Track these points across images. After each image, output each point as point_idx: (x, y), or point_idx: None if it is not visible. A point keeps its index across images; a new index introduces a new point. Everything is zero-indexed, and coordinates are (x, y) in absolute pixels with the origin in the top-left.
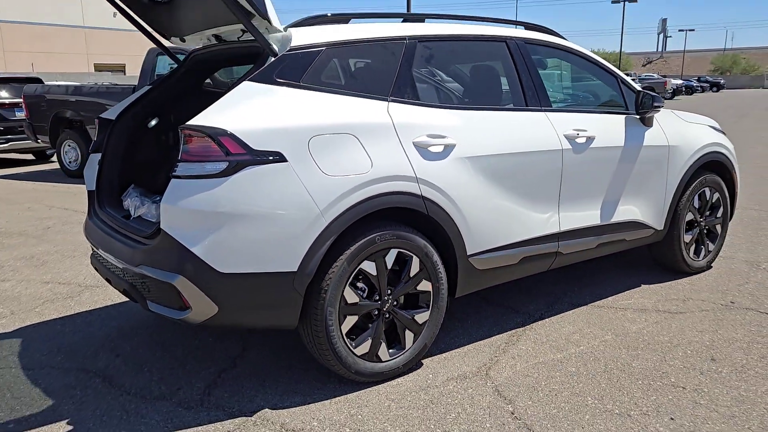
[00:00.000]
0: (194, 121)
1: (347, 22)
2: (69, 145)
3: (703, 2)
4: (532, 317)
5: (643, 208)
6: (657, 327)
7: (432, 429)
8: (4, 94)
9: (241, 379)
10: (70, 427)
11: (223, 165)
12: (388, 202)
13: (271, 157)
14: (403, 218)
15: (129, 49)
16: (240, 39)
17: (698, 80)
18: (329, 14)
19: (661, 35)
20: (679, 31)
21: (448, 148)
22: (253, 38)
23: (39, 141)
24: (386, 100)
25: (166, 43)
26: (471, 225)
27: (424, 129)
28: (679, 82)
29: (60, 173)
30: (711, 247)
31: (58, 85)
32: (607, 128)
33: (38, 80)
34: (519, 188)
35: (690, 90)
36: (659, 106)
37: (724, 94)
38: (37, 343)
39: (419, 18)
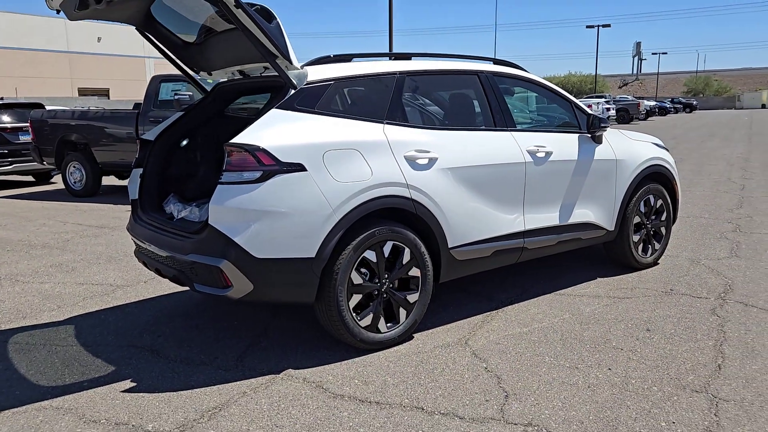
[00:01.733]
0: (235, 140)
1: (350, 61)
2: (74, 167)
3: (675, 26)
4: (504, 303)
5: (596, 212)
6: (606, 308)
7: (422, 380)
8: (7, 118)
9: (267, 350)
10: (134, 384)
11: (258, 173)
12: (385, 203)
13: (294, 167)
14: (396, 217)
15: (112, 74)
16: (262, 74)
17: (672, 101)
18: (332, 55)
19: (636, 58)
20: (653, 54)
21: (432, 161)
22: (274, 74)
23: (45, 163)
24: (382, 122)
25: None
26: (451, 223)
27: (412, 145)
28: (653, 103)
29: (64, 193)
30: (657, 246)
31: (64, 110)
32: (563, 145)
33: (41, 105)
34: (490, 193)
35: (663, 111)
36: (606, 127)
37: (697, 114)
38: (88, 328)
39: (407, 56)
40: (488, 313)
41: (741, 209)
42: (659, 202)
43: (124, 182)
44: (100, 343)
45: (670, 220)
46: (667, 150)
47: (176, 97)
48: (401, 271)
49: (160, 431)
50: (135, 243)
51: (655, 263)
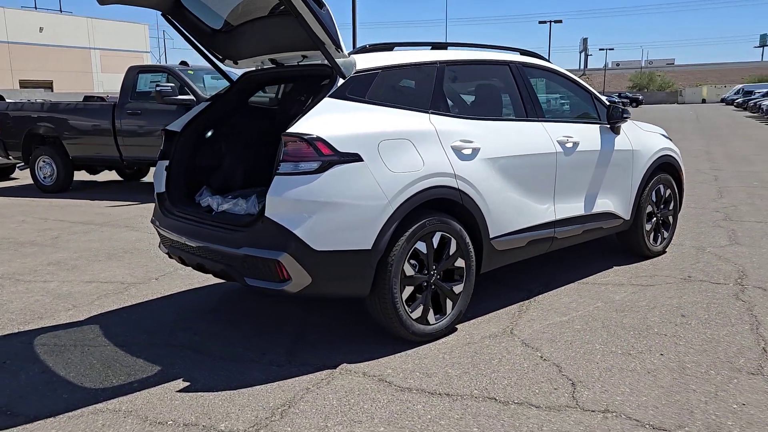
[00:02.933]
0: (293, 129)
1: (391, 50)
2: (44, 161)
3: (620, 24)
4: (534, 293)
5: (615, 201)
6: (635, 296)
7: (483, 370)
8: None
9: (314, 345)
10: (188, 383)
11: (317, 164)
12: (435, 194)
13: (351, 158)
14: (442, 207)
15: (56, 66)
16: (299, 63)
17: (619, 96)
18: (368, 45)
19: (583, 53)
20: (600, 50)
21: (475, 151)
22: (314, 62)
23: (10, 157)
24: (427, 112)
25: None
26: (492, 213)
27: (457, 135)
28: (603, 98)
29: (33, 189)
30: (665, 234)
31: (32, 102)
32: (587, 135)
33: (0, 98)
34: (526, 184)
35: None
36: (627, 117)
37: (643, 109)
38: (114, 327)
39: (443, 46)
40: (522, 303)
41: (723, 199)
42: (668, 191)
43: (96, 177)
44: (133, 342)
45: (677, 209)
46: (671, 140)
47: (158, 88)
48: (448, 262)
49: (234, 430)
50: (165, 237)
51: (663, 251)
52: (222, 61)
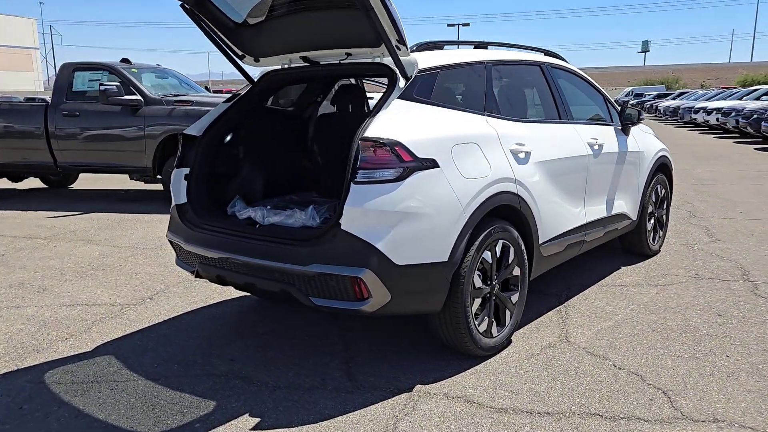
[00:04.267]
0: (370, 134)
1: (441, 48)
2: None
3: (520, 27)
4: (561, 297)
5: (627, 203)
6: (660, 296)
7: (565, 383)
8: None
9: (369, 365)
10: (257, 419)
11: (399, 171)
12: (501, 200)
13: (429, 164)
14: (502, 214)
15: None
16: (342, 61)
17: None
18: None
19: None
20: None
21: (528, 155)
22: (359, 60)
23: None
24: (483, 114)
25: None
26: (542, 218)
27: (512, 138)
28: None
29: None
30: (660, 234)
31: None
32: (607, 137)
33: None
34: (565, 187)
35: None
36: (642, 120)
37: None
38: (132, 358)
39: (483, 45)
40: (557, 309)
41: (676, 197)
42: (663, 191)
43: (18, 185)
44: (165, 374)
45: (669, 208)
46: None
47: (102, 88)
48: (507, 271)
49: None
50: (192, 253)
51: (659, 250)
52: (241, 58)
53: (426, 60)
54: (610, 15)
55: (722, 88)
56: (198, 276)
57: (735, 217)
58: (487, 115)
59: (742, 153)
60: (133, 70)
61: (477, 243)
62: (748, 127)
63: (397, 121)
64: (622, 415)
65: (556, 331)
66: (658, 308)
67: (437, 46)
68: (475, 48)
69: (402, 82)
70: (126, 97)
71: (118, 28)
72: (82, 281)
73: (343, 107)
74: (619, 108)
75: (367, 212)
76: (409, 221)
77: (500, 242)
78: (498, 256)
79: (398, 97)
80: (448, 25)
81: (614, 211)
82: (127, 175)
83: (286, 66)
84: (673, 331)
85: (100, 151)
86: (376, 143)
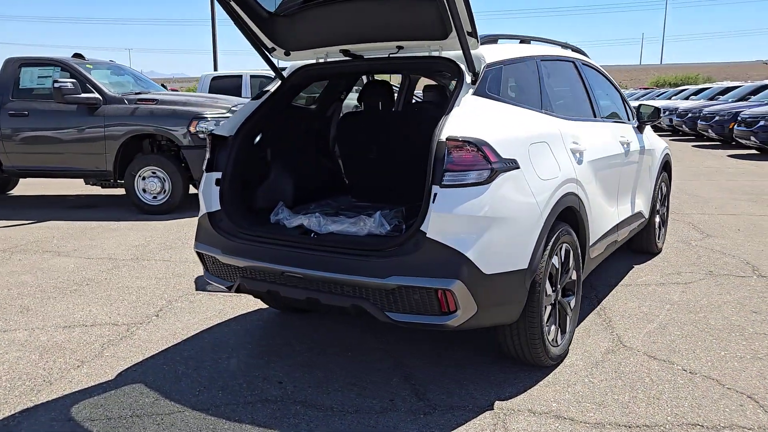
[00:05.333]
0: (457, 133)
1: (496, 42)
2: None
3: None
4: (593, 300)
5: (642, 201)
6: (688, 295)
7: (647, 392)
8: None
9: (434, 381)
10: None
11: (487, 173)
12: (566, 202)
13: (511, 165)
14: (563, 216)
15: None
16: (391, 55)
17: None
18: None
19: None
20: None
21: (582, 154)
22: (410, 54)
23: None
24: (540, 111)
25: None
26: (592, 218)
27: (570, 137)
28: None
29: None
30: (662, 231)
31: None
32: (630, 135)
33: None
34: (606, 186)
35: None
36: (662, 117)
37: None
38: (165, 385)
39: (527, 40)
40: (594, 312)
41: None
42: (666, 189)
43: None
44: (213, 403)
45: (668, 206)
46: None
47: (57, 85)
48: (567, 275)
49: None
50: (233, 266)
51: (661, 248)
52: (270, 51)
53: (492, 54)
54: (532, 17)
55: (640, 88)
56: (238, 291)
57: (712, 213)
58: (545, 113)
59: (682, 150)
60: (87, 66)
61: (549, 247)
62: (683, 126)
63: (480, 120)
64: (722, 424)
65: (607, 336)
66: (693, 307)
67: (491, 39)
68: (520, 43)
69: (468, 78)
70: (83, 95)
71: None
72: (69, 299)
73: (373, 105)
74: (633, 107)
75: (457, 218)
76: (496, 226)
77: (563, 246)
78: (563, 260)
79: (473, 94)
80: None
81: (636, 210)
82: (76, 180)
83: (321, 60)
84: (720, 331)
85: (52, 154)
86: (463, 143)
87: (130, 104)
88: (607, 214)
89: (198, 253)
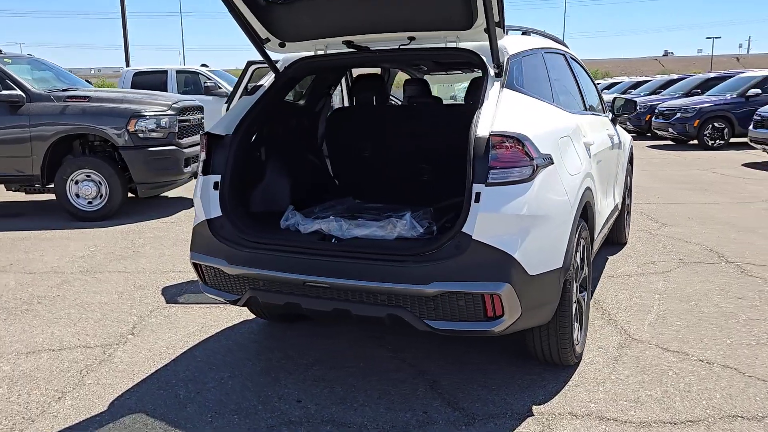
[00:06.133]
0: (500, 129)
1: (507, 33)
2: None
3: None
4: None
5: (617, 193)
6: (670, 284)
7: (678, 387)
8: None
9: (460, 389)
10: None
11: (529, 169)
12: (587, 197)
13: (548, 160)
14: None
15: None
16: (402, 47)
17: None
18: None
19: None
20: None
21: (590, 147)
22: (422, 46)
23: None
24: (553, 104)
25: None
26: (598, 212)
27: (581, 131)
28: None
29: None
30: (627, 222)
31: None
32: (610, 128)
33: None
34: (604, 179)
35: None
36: (637, 110)
37: None
38: (173, 412)
39: (526, 32)
40: (593, 303)
41: None
42: (629, 180)
43: None
44: (232, 430)
45: (632, 196)
46: None
47: None
48: (583, 272)
49: None
50: (239, 277)
51: (627, 238)
52: (264, 41)
53: (514, 46)
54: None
55: None
56: (246, 305)
57: (658, 202)
58: (557, 107)
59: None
60: (6, 60)
61: (575, 245)
62: (627, 123)
63: (517, 114)
64: (760, 414)
65: (612, 329)
66: (681, 296)
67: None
68: (522, 34)
69: (492, 70)
70: (4, 92)
71: None
72: (22, 320)
73: (366, 100)
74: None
75: (503, 218)
76: (538, 225)
77: (582, 242)
78: (582, 257)
79: (505, 87)
80: None
81: (615, 201)
82: None
83: (321, 52)
84: (717, 318)
85: None
86: (506, 139)
87: (58, 102)
88: (604, 208)
89: (195, 264)
